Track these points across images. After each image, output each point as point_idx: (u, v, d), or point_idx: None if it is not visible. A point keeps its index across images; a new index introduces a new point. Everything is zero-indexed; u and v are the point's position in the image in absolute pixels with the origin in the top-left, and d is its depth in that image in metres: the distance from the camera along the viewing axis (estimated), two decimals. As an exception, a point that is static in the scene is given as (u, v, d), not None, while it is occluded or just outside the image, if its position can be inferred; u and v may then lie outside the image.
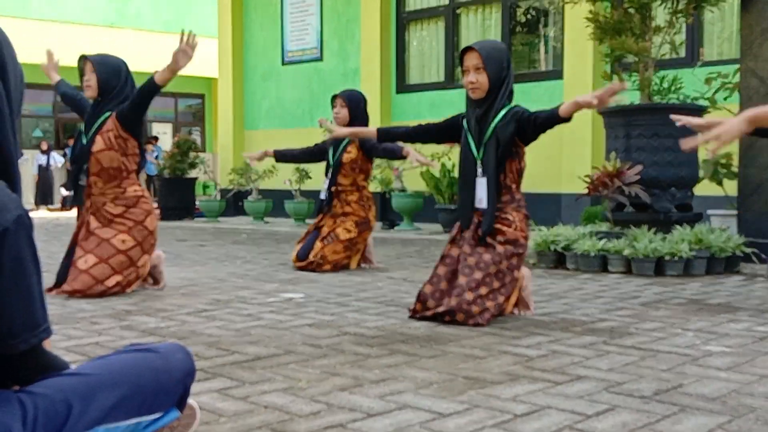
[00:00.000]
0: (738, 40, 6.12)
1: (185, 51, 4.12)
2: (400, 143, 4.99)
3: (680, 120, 2.75)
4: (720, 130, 2.52)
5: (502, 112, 3.54)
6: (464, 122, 3.70)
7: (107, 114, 4.32)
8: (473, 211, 3.61)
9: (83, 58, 4.40)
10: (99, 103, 4.37)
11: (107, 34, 20.13)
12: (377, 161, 8.07)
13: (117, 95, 4.34)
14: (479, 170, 3.58)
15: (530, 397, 2.28)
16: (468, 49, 3.57)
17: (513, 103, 3.62)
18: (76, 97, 4.69)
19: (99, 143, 4.30)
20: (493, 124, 3.54)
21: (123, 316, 3.64)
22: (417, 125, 3.96)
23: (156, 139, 20.96)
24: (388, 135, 4.14)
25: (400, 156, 5.30)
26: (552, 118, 3.40)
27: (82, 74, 4.40)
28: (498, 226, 3.54)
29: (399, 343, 3.03)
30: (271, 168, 10.93)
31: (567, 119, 3.39)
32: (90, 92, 4.37)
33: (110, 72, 4.35)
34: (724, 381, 2.46)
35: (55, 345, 2.92)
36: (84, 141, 4.37)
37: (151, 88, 4.21)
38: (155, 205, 12.29)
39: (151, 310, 3.82)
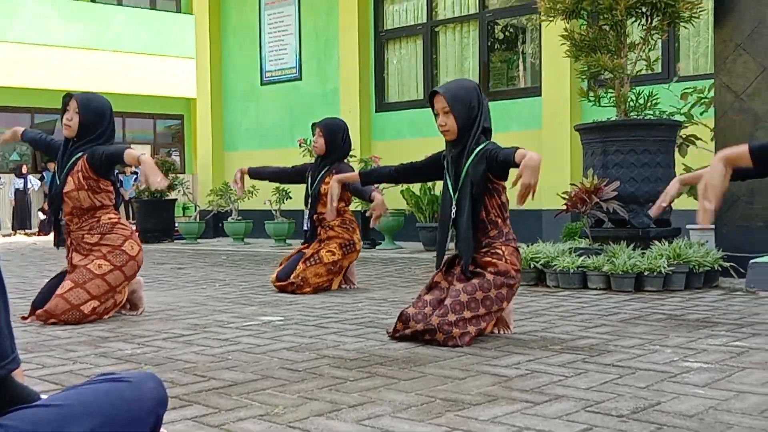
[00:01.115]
0: (713, 54, 6.18)
1: (160, 183, 3.94)
2: (375, 186, 4.93)
3: (657, 210, 2.56)
4: (705, 182, 2.35)
5: (476, 151, 3.54)
6: (445, 160, 3.71)
7: (79, 155, 4.26)
8: (448, 251, 3.63)
9: (69, 96, 4.29)
10: (74, 143, 4.29)
11: (86, 56, 20.06)
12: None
13: (96, 138, 4.26)
14: (453, 210, 3.58)
15: (508, 418, 2.27)
16: (433, 93, 3.59)
17: (488, 139, 3.61)
18: (45, 140, 4.65)
19: (70, 183, 4.25)
20: (466, 165, 3.54)
21: (98, 342, 3.60)
22: (399, 165, 3.97)
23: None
24: (370, 178, 4.16)
25: (368, 199, 5.21)
26: (508, 161, 3.40)
27: (64, 110, 4.28)
28: (488, 259, 3.54)
29: (378, 365, 3.01)
30: (251, 189, 10.90)
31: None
32: (69, 132, 4.26)
33: (95, 116, 4.25)
34: (702, 398, 2.45)
35: (28, 374, 2.87)
36: (58, 182, 4.32)
37: (119, 160, 4.18)
38: (133, 228, 12.24)
39: (128, 336, 3.77)
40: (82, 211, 4.28)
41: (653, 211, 2.55)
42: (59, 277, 4.32)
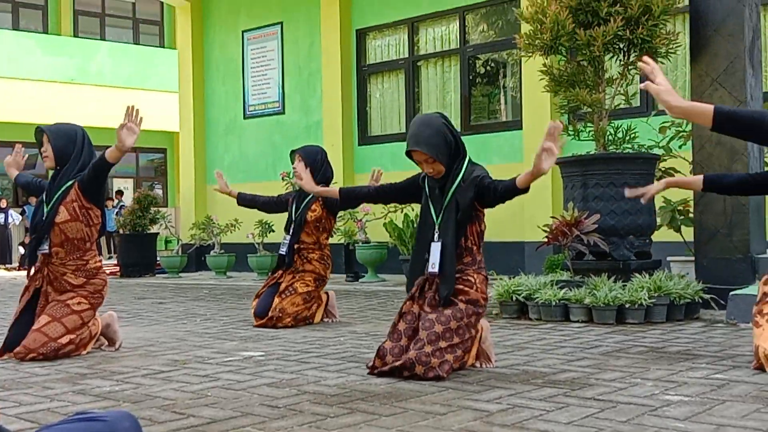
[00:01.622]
0: (690, 89, 6.27)
1: (130, 128, 4.02)
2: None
3: (634, 193, 3.07)
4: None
5: (461, 175, 3.56)
6: (424, 183, 3.72)
7: (69, 183, 4.28)
8: (422, 276, 3.62)
9: (39, 130, 4.38)
10: (58, 172, 4.34)
11: (69, 90, 20.06)
12: (340, 213, 8.07)
13: (74, 162, 4.31)
14: (436, 234, 3.59)
15: (489, 454, 2.25)
16: (411, 150, 3.55)
17: (470, 159, 3.64)
18: (35, 183, 4.71)
19: (63, 214, 4.25)
20: (452, 189, 3.56)
21: (76, 379, 3.55)
22: (379, 185, 4.07)
23: (121, 193, 20.78)
24: (350, 196, 4.19)
25: (357, 204, 5.37)
26: (511, 190, 3.43)
27: (40, 146, 4.39)
28: (460, 286, 3.55)
29: (359, 401, 2.99)
30: (234, 221, 10.87)
31: (525, 190, 3.41)
32: (48, 162, 4.35)
33: (65, 140, 4.32)
34: (682, 432, 2.46)
35: (4, 412, 2.84)
36: (45, 211, 4.31)
37: (103, 164, 4.19)
38: (114, 262, 12.13)
39: (106, 372, 3.73)
40: (71, 245, 4.26)
41: (629, 192, 3.08)
42: (28, 312, 4.27)
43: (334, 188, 4.37)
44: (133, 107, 4.08)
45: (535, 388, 3.17)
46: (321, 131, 11.64)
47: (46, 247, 4.28)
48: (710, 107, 2.68)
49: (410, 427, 2.58)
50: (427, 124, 3.59)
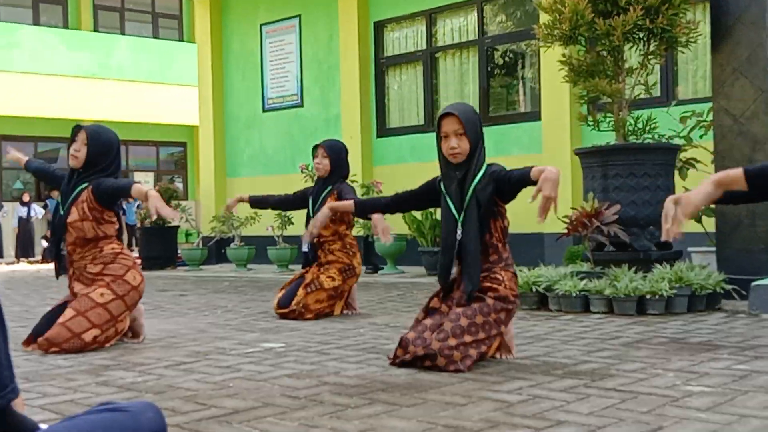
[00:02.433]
0: (711, 78, 6.21)
1: (163, 210, 3.98)
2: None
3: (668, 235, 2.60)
4: (686, 199, 2.47)
5: (480, 173, 3.54)
6: (441, 185, 3.69)
7: (84, 185, 4.29)
8: (451, 276, 3.61)
9: (78, 127, 4.32)
10: (79, 174, 4.32)
11: (88, 85, 20.21)
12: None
13: (101, 171, 4.29)
14: (459, 232, 3.56)
15: (509, 444, 2.26)
16: (446, 114, 3.53)
17: (489, 159, 3.63)
18: (49, 171, 4.71)
19: (74, 214, 4.27)
20: (472, 187, 3.54)
21: (100, 371, 3.59)
22: (395, 195, 3.96)
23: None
24: (364, 209, 4.14)
25: (366, 218, 5.26)
26: (524, 179, 3.40)
27: (72, 141, 4.32)
28: (488, 284, 3.53)
29: (379, 391, 3.00)
30: (253, 215, 10.92)
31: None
32: (75, 162, 4.29)
33: (102, 148, 4.29)
34: (704, 422, 2.44)
35: (29, 403, 2.87)
36: (62, 212, 4.35)
37: (125, 194, 4.22)
38: (136, 256, 12.22)
39: (129, 364, 3.77)
40: (85, 241, 4.30)
41: (666, 235, 2.54)
42: (61, 306, 4.32)
43: (348, 202, 4.34)
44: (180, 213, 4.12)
45: (555, 379, 3.17)
46: (339, 124, 11.65)
47: (64, 248, 4.33)
48: (739, 170, 2.45)
49: (430, 417, 2.58)
50: (465, 105, 3.69)
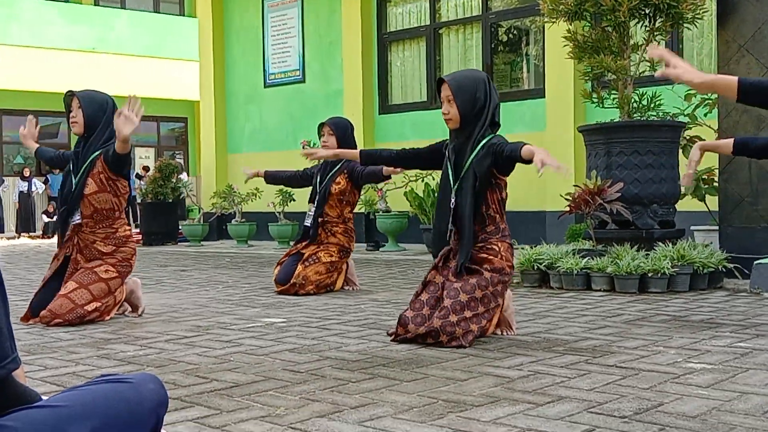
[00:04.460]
0: (716, 56, 6.17)
1: (128, 117, 3.95)
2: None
3: (688, 178, 3.17)
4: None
5: (481, 144, 3.52)
6: (446, 150, 3.70)
7: (95, 154, 4.29)
8: (446, 245, 3.61)
9: (70, 94, 4.37)
10: (87, 140, 4.33)
11: (88, 59, 20.09)
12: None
13: (101, 131, 4.31)
14: (452, 200, 3.57)
15: (510, 419, 2.26)
16: (441, 80, 3.61)
17: (495, 133, 3.60)
18: (58, 156, 4.71)
19: (92, 185, 4.28)
20: (470, 157, 3.53)
21: (101, 344, 3.59)
22: (401, 149, 3.95)
23: (147, 169, 20.86)
24: (371, 158, 4.13)
25: (382, 177, 5.32)
26: (514, 157, 3.39)
27: (68, 110, 4.37)
28: (484, 255, 3.53)
29: (380, 366, 3.00)
30: (254, 190, 10.91)
31: (528, 161, 3.34)
32: (77, 128, 4.34)
33: (96, 108, 4.33)
34: (705, 399, 2.44)
35: (30, 375, 2.87)
36: (73, 182, 4.33)
37: (116, 157, 4.20)
38: (137, 231, 12.23)
39: (130, 338, 3.77)
40: (101, 215, 4.30)
41: (684, 180, 3.16)
42: (55, 279, 4.31)
43: (354, 151, 4.34)
44: (133, 96, 4.01)
45: (556, 355, 3.17)
46: (341, 100, 11.59)
47: (78, 218, 4.32)
48: (734, 78, 2.65)
49: (431, 392, 2.58)
50: (468, 71, 3.72)
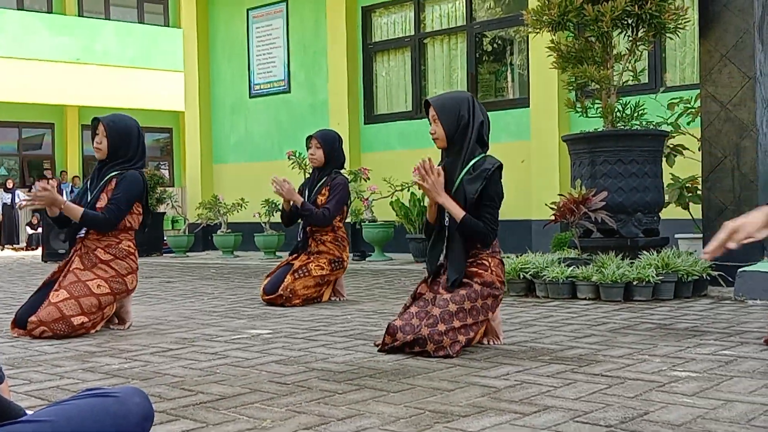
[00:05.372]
0: (699, 65, 6.22)
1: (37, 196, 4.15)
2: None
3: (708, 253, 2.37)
4: (741, 224, 2.33)
5: (471, 163, 3.56)
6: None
7: (112, 174, 4.35)
8: (438, 260, 3.65)
9: (96, 120, 4.42)
10: (106, 164, 4.40)
11: (73, 70, 20.03)
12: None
13: (125, 159, 4.38)
14: (446, 219, 3.61)
15: (497, 429, 2.26)
16: (427, 102, 3.68)
17: (485, 151, 3.63)
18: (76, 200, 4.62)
19: (103, 200, 4.33)
20: (461, 175, 3.56)
21: (86, 357, 3.57)
22: None
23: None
24: None
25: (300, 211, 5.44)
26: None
27: (94, 134, 4.43)
28: (474, 269, 3.56)
29: (367, 378, 3.00)
30: (240, 201, 10.88)
31: (461, 226, 3.49)
32: (100, 155, 4.40)
33: (122, 136, 4.37)
34: (690, 407, 2.46)
35: (14, 389, 2.85)
36: (89, 198, 4.39)
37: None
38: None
39: (115, 350, 3.75)
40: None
41: (706, 255, 2.36)
42: (44, 290, 4.29)
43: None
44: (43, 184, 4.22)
45: (542, 364, 3.18)
46: (327, 110, 11.61)
47: (83, 232, 4.34)
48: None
49: (418, 403, 2.58)
50: (453, 92, 3.86)
